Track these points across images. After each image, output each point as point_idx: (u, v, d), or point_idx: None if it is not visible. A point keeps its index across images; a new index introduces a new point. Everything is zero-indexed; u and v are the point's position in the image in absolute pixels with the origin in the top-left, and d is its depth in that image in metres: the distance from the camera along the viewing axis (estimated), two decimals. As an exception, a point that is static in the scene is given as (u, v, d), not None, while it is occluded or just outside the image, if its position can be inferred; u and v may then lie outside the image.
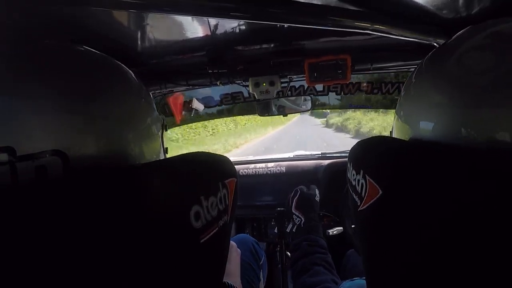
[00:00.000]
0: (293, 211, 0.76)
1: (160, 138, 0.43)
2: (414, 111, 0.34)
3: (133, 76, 0.39)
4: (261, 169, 1.34)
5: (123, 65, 0.38)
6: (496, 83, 0.24)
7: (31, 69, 0.29)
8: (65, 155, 0.28)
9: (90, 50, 0.35)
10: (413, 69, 0.77)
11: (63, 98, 0.29)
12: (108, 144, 0.31)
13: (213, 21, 0.50)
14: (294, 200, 0.78)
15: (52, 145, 0.27)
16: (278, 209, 0.94)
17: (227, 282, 0.45)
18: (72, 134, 0.29)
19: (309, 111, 1.30)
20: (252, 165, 1.37)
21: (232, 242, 0.61)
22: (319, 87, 1.16)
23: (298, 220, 0.73)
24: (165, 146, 0.46)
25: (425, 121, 0.31)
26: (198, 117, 1.31)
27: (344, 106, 1.26)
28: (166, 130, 0.47)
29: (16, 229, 0.21)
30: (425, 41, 0.50)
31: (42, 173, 0.26)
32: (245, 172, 1.35)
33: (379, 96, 1.11)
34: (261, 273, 0.80)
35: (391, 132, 0.46)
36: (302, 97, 1.12)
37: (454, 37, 0.32)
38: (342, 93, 1.16)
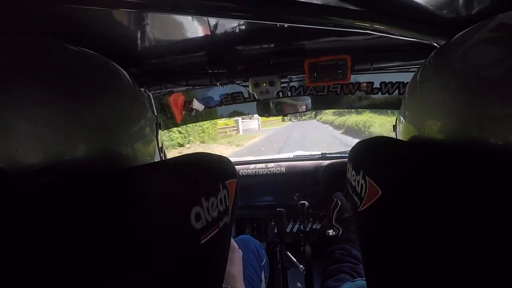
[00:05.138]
0: (334, 223, 0.80)
1: (155, 138, 0.43)
2: (419, 111, 0.33)
3: (126, 76, 0.38)
4: (261, 170, 1.35)
5: (116, 64, 0.37)
6: (507, 76, 0.23)
7: (16, 69, 0.28)
8: (56, 171, 0.27)
9: (82, 50, 0.34)
10: (413, 69, 0.77)
11: (51, 100, 0.28)
12: (100, 147, 0.31)
13: (213, 21, 0.50)
14: (335, 213, 0.81)
15: (43, 154, 0.27)
16: (278, 209, 0.94)
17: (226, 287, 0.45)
18: (62, 138, 0.28)
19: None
20: (252, 166, 1.37)
21: (234, 244, 0.61)
22: (319, 87, 1.16)
23: (337, 231, 0.79)
24: (160, 145, 0.46)
25: (431, 121, 0.30)
26: (198, 117, 1.30)
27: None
28: (160, 129, 0.47)
29: (10, 235, 0.21)
30: (425, 41, 0.50)
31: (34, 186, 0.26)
32: (245, 172, 1.35)
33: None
34: (262, 274, 0.80)
35: (394, 127, 0.46)
36: (302, 96, 1.12)
37: (458, 34, 0.30)
38: (342, 93, 1.16)
